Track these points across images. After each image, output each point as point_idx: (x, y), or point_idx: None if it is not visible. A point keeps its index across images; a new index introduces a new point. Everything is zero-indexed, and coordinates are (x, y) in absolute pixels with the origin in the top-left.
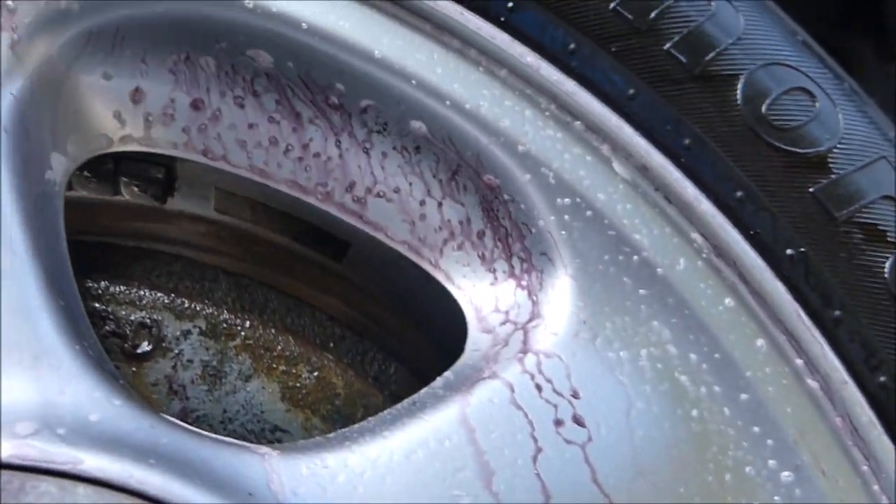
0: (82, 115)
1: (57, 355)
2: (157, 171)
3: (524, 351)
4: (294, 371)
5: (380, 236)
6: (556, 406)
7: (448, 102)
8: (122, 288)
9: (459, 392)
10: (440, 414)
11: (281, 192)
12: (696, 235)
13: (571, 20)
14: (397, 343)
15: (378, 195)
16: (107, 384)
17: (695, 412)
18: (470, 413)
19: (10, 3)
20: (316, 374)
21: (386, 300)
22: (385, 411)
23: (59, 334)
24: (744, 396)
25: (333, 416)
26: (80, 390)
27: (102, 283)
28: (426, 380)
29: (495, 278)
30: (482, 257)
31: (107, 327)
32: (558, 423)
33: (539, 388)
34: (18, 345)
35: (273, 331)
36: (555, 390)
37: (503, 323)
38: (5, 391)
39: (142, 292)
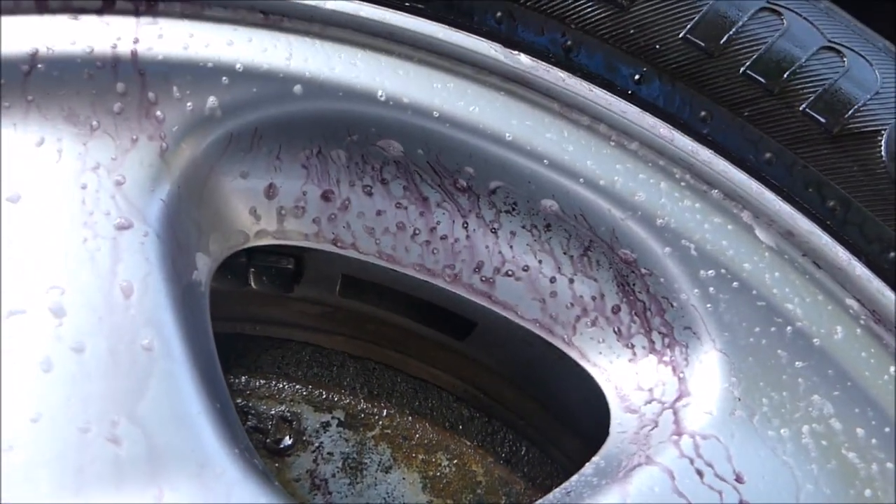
0: (222, 214)
1: (220, 462)
2: (287, 262)
3: (678, 433)
4: (434, 460)
5: (509, 315)
6: (720, 493)
7: (581, 180)
8: (262, 381)
9: (616, 480)
10: None
11: (407, 275)
12: (851, 301)
13: (701, 88)
14: (524, 422)
15: (507, 274)
16: (265, 488)
17: (868, 492)
18: None
19: (159, 112)
20: (455, 461)
21: (512, 378)
22: (538, 503)
23: (220, 440)
24: None
25: None
26: (244, 496)
27: (243, 378)
28: (554, 459)
29: (634, 354)
30: (618, 332)
31: (249, 423)
32: None
33: (700, 473)
34: (183, 454)
35: (409, 418)
36: (717, 475)
37: (648, 402)
38: (174, 501)
39: (280, 385)
